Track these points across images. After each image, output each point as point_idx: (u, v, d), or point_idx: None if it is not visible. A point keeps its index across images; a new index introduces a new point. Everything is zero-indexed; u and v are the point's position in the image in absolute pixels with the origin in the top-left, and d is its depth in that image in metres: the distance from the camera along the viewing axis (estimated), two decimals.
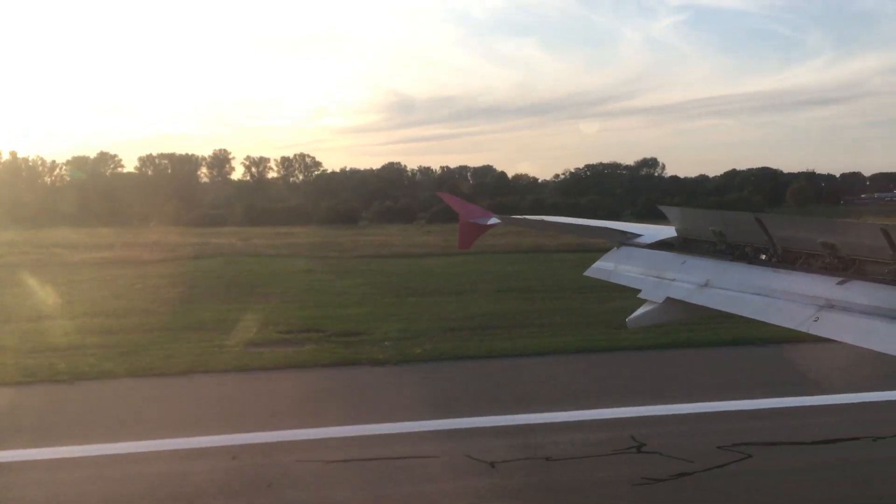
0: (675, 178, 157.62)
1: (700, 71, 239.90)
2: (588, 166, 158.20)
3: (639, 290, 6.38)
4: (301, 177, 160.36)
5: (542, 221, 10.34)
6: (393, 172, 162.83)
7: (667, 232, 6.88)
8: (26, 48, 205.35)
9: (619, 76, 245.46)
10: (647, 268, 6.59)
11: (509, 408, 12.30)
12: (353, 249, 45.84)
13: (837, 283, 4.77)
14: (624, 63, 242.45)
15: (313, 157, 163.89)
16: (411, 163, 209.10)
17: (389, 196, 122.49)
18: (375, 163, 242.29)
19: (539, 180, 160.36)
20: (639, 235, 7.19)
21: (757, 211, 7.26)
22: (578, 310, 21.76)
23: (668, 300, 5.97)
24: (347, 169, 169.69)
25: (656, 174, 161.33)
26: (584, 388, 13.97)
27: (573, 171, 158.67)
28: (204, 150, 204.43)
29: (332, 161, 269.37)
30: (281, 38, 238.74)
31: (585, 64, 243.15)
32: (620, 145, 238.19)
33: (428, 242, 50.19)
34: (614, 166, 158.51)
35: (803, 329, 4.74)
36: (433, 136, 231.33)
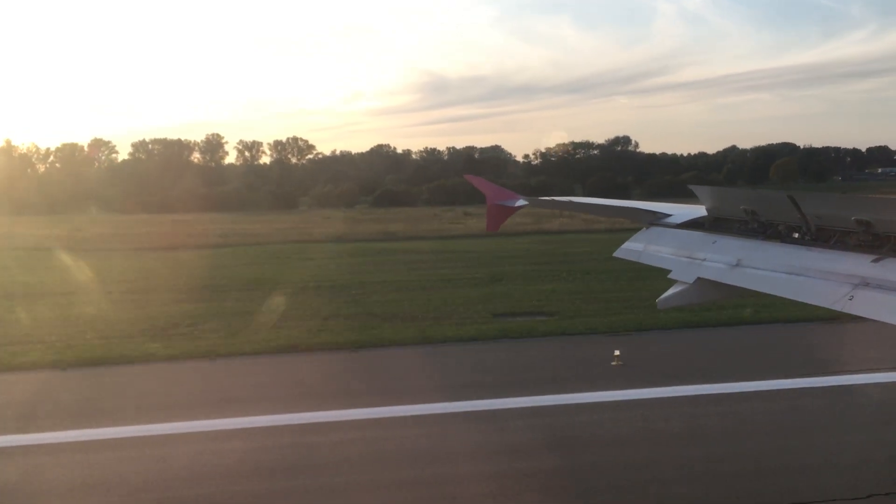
0: (651, 156, 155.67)
1: (737, 45, 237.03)
2: (560, 146, 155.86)
3: (669, 271, 6.33)
4: (294, 160, 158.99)
5: (571, 202, 10.30)
6: (382, 156, 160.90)
7: (697, 211, 6.82)
8: (31, 40, 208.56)
9: (653, 52, 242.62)
10: (677, 248, 6.54)
11: None
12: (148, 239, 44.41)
13: (872, 261, 4.71)
14: (658, 39, 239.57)
15: (306, 141, 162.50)
16: (445, 143, 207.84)
17: (368, 181, 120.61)
18: (410, 144, 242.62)
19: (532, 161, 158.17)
20: (668, 215, 7.14)
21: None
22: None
23: (699, 280, 5.93)
24: (338, 153, 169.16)
25: (631, 150, 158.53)
26: None
27: (543, 150, 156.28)
28: (233, 137, 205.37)
29: (366, 143, 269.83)
30: (314, 22, 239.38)
31: (619, 40, 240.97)
32: (654, 123, 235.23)
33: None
34: (587, 145, 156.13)
35: (838, 308, 4.69)
36: (467, 115, 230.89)
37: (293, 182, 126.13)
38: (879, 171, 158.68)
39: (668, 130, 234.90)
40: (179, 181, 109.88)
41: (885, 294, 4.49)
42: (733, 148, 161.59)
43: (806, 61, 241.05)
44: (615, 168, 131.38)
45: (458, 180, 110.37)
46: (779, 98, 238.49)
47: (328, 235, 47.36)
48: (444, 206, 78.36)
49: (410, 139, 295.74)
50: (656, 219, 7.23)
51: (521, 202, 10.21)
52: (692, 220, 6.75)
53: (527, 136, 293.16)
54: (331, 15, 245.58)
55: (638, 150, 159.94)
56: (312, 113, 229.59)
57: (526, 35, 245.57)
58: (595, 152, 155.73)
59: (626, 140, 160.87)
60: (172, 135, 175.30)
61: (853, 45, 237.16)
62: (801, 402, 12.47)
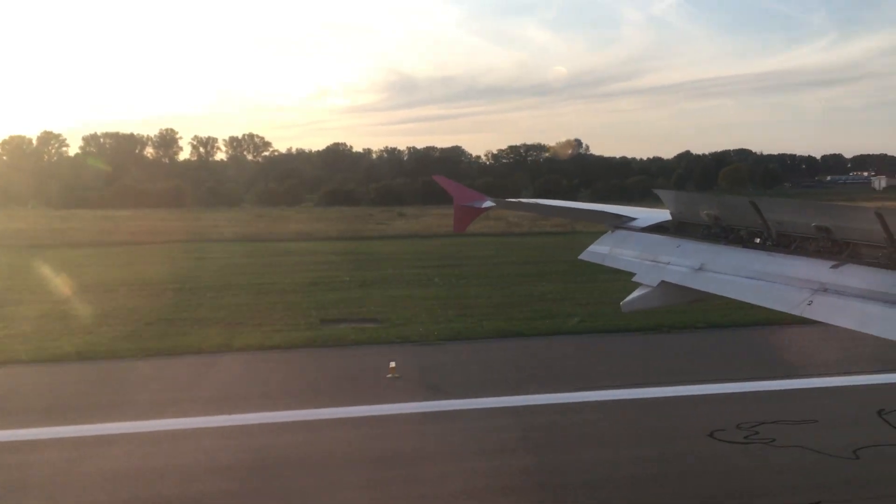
0: (602, 159, 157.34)
1: (702, 51, 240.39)
2: (511, 147, 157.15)
3: (633, 274, 6.38)
4: (250, 157, 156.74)
5: (537, 205, 10.35)
6: (338, 154, 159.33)
7: (661, 215, 6.90)
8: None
9: (620, 56, 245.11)
10: (641, 251, 6.61)
11: None
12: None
13: (831, 267, 4.80)
14: (625, 43, 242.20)
15: (262, 138, 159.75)
16: (411, 143, 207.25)
17: (320, 179, 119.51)
18: (377, 143, 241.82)
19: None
20: (633, 219, 7.21)
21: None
22: None
23: (663, 284, 5.99)
24: (293, 150, 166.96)
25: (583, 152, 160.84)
26: None
27: (495, 151, 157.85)
28: (202, 132, 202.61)
29: (332, 141, 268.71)
30: (282, 18, 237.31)
31: (587, 44, 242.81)
32: (618, 126, 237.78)
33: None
34: (538, 147, 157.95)
35: (797, 313, 4.77)
36: (434, 116, 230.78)
37: (246, 179, 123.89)
38: (829, 178, 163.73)
39: (632, 134, 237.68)
40: (124, 176, 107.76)
41: (843, 300, 4.57)
42: (687, 153, 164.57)
43: (768, 69, 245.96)
44: (565, 171, 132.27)
45: (405, 181, 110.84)
46: (741, 105, 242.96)
47: (238, 234, 46.03)
48: (389, 207, 77.78)
49: (378, 138, 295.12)
50: (622, 222, 7.29)
51: (488, 203, 10.23)
52: (657, 223, 6.83)
53: (493, 137, 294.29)
54: (298, 13, 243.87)
55: (589, 153, 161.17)
56: (280, 109, 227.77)
57: (494, 37, 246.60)
58: (546, 154, 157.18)
59: (577, 143, 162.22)
60: (135, 130, 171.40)
61: (814, 53, 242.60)
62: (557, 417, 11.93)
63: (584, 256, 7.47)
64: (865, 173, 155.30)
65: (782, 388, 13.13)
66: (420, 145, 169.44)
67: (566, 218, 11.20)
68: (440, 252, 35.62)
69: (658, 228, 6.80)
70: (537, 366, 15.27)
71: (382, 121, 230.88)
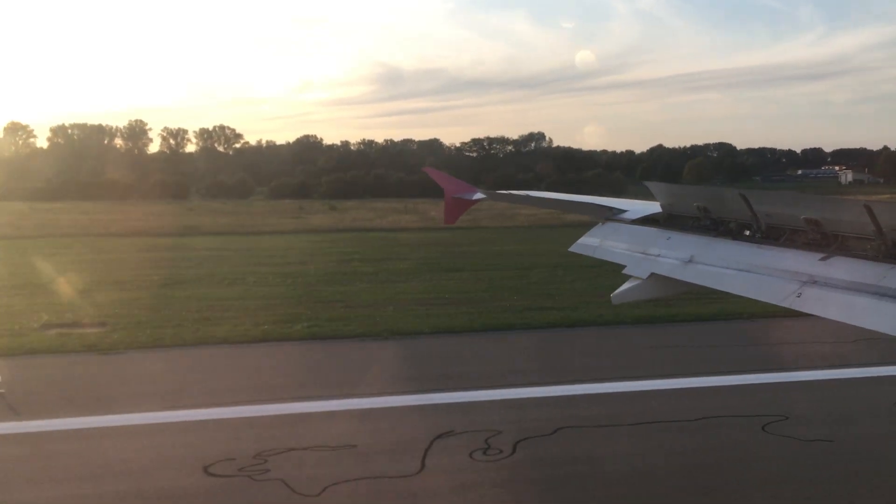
0: (560, 147, 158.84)
1: (690, 45, 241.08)
2: (474, 140, 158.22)
3: (623, 266, 6.38)
4: (221, 149, 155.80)
5: (528, 196, 10.34)
6: (308, 146, 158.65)
7: (652, 207, 6.92)
8: None
9: (607, 50, 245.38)
10: (631, 243, 6.63)
11: None
12: None
13: (820, 259, 4.84)
14: (613, 37, 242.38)
15: (233, 129, 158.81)
16: (398, 136, 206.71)
17: (279, 172, 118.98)
18: (362, 135, 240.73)
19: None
20: (624, 211, 7.22)
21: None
22: None
23: (653, 276, 6.01)
24: (263, 143, 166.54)
25: (543, 146, 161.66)
26: None
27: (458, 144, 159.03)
28: (188, 124, 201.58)
29: (319, 134, 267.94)
30: (267, 9, 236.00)
31: (574, 38, 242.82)
32: (606, 120, 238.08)
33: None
34: (501, 141, 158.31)
35: (786, 304, 4.81)
36: (420, 108, 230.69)
37: (211, 171, 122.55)
38: (799, 172, 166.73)
39: (619, 127, 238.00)
40: (89, 167, 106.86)
41: (831, 292, 4.60)
42: (659, 146, 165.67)
43: (756, 62, 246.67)
44: (526, 164, 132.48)
45: (359, 173, 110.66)
46: (729, 98, 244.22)
47: (125, 229, 45.07)
48: (333, 200, 78.20)
49: (365, 131, 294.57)
50: (612, 214, 7.31)
51: (478, 195, 10.22)
52: (647, 216, 6.84)
53: (479, 130, 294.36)
54: (283, 4, 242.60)
55: (553, 146, 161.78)
56: (264, 102, 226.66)
57: (481, 29, 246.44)
58: (510, 148, 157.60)
59: (540, 136, 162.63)
60: (108, 121, 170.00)
61: (802, 47, 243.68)
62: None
63: (574, 248, 7.48)
64: (836, 168, 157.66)
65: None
66: (402, 138, 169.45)
67: (556, 209, 11.21)
68: (311, 249, 35.36)
69: (648, 220, 6.83)
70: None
71: (369, 113, 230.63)
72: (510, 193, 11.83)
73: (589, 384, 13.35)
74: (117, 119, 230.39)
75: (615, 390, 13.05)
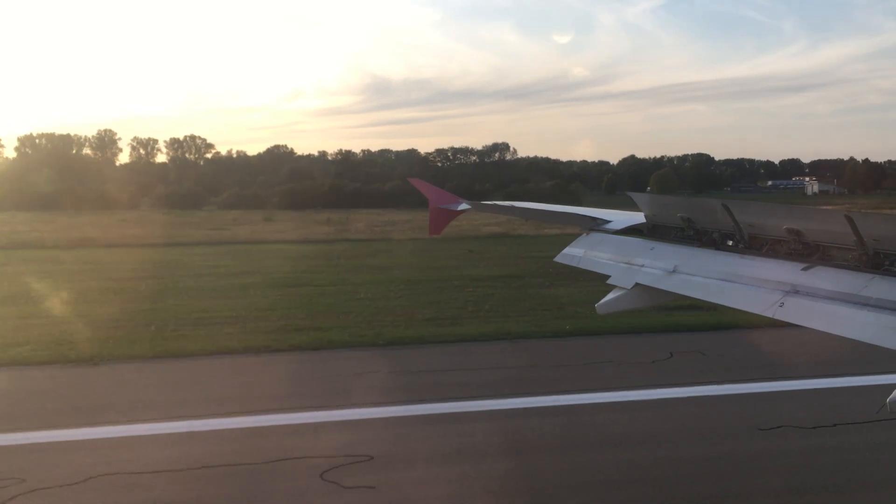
0: (526, 158, 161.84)
1: (675, 57, 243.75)
2: (438, 150, 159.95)
3: (608, 276, 6.40)
4: (192, 158, 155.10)
5: (512, 207, 10.36)
6: (277, 157, 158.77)
7: (636, 218, 6.97)
8: None
9: (595, 61, 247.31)
10: (616, 254, 6.67)
11: None
12: None
13: (802, 269, 4.89)
14: (600, 48, 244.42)
15: (205, 139, 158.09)
16: (387, 146, 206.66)
17: (241, 184, 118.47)
18: (350, 145, 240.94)
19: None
20: (608, 221, 7.27)
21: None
22: None
23: (637, 286, 6.04)
24: (234, 153, 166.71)
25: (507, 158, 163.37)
26: None
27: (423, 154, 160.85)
28: (175, 133, 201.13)
29: (307, 144, 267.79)
30: (255, 17, 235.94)
31: (561, 49, 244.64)
32: (592, 131, 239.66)
33: None
34: (466, 151, 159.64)
35: (769, 314, 4.86)
36: (409, 118, 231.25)
37: (178, 181, 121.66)
38: (769, 183, 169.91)
39: (604, 138, 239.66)
40: (46, 177, 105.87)
41: (813, 301, 4.63)
42: (631, 157, 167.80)
43: (740, 74, 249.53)
44: (490, 175, 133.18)
45: (313, 183, 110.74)
46: (714, 110, 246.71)
47: (35, 241, 43.88)
48: (287, 211, 78.30)
49: (353, 140, 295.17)
50: (596, 224, 7.35)
51: (463, 206, 10.22)
52: (631, 226, 6.88)
53: (467, 140, 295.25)
54: (271, 11, 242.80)
55: (517, 157, 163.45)
56: (252, 111, 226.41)
57: (469, 40, 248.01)
58: (473, 158, 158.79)
59: (504, 146, 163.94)
60: (114, 127, 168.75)
61: (785, 59, 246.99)
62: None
63: (559, 259, 7.51)
64: (806, 179, 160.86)
65: None
66: (382, 148, 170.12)
67: (541, 220, 11.20)
68: (183, 262, 34.34)
69: (632, 231, 6.86)
70: None
71: (357, 123, 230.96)
72: (494, 204, 11.86)
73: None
74: (121, 126, 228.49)
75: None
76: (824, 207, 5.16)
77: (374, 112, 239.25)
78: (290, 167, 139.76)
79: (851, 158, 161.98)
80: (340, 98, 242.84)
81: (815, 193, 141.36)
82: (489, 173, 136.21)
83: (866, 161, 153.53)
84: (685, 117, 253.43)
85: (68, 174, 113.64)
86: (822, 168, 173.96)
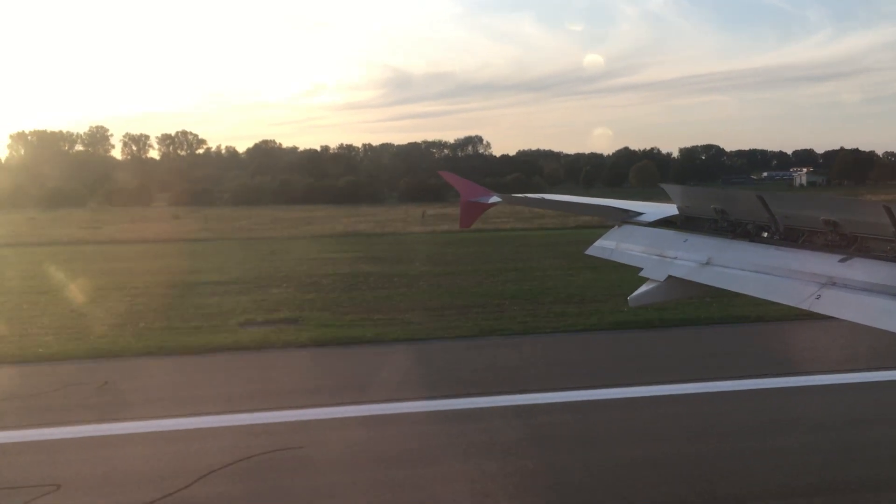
0: (505, 157, 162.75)
1: (697, 47, 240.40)
2: (411, 143, 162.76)
3: (640, 269, 6.36)
4: (184, 154, 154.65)
5: (543, 200, 10.31)
6: (263, 153, 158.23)
7: (668, 210, 6.94)
8: None
9: (615, 53, 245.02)
10: (648, 246, 6.65)
11: None
12: None
13: (839, 261, 4.86)
14: (620, 39, 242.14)
15: (196, 135, 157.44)
16: (407, 139, 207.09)
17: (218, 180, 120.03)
18: (371, 139, 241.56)
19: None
20: (640, 213, 7.24)
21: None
22: None
23: (670, 278, 6.02)
24: (223, 149, 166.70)
25: (481, 151, 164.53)
26: None
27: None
28: (196, 130, 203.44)
29: (328, 138, 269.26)
30: (276, 14, 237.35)
31: (582, 40, 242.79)
32: (612, 123, 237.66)
33: None
34: (439, 144, 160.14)
35: (805, 307, 4.83)
36: (429, 112, 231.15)
37: (171, 177, 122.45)
38: (764, 174, 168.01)
39: (625, 130, 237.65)
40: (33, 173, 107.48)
41: (851, 294, 4.59)
42: (625, 149, 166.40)
43: (762, 64, 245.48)
44: (463, 168, 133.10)
45: (264, 178, 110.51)
46: (735, 100, 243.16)
47: None
48: (239, 208, 79.12)
49: (374, 135, 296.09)
50: (628, 217, 7.34)
51: (494, 199, 10.22)
52: (664, 218, 6.85)
53: (487, 133, 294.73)
54: (291, 8, 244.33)
55: (489, 152, 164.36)
56: (273, 106, 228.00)
57: (489, 32, 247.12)
58: (446, 151, 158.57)
59: (477, 140, 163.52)
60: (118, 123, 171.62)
61: (809, 49, 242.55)
62: None
63: (590, 251, 7.50)
64: (804, 170, 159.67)
65: None
66: (409, 142, 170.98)
67: (572, 212, 11.10)
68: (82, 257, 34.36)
69: (665, 223, 6.82)
70: None
71: (378, 117, 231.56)
72: (525, 197, 11.82)
73: None
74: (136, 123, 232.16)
75: None
76: (863, 198, 5.11)
77: (394, 106, 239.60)
78: (258, 163, 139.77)
79: (842, 148, 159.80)
80: (361, 93, 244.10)
81: (801, 185, 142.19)
82: (460, 167, 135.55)
83: (855, 150, 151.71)
84: (707, 108, 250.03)
85: (56, 171, 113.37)
86: (833, 158, 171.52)
